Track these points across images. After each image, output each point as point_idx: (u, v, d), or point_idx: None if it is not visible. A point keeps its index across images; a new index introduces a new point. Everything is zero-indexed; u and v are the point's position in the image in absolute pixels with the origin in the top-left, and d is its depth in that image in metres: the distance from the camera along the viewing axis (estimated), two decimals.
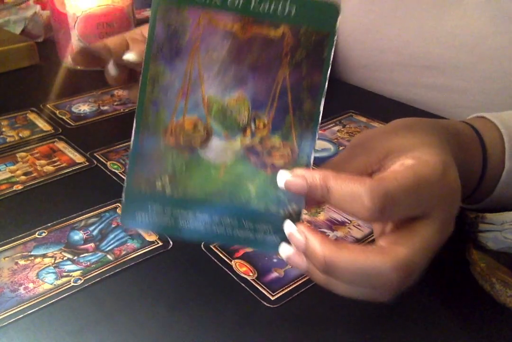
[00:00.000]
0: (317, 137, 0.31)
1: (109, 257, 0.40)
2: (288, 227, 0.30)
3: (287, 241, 0.30)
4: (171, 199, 0.30)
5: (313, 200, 0.30)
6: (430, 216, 0.30)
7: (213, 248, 0.40)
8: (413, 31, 0.64)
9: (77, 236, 0.42)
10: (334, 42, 0.30)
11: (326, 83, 0.30)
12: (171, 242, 0.41)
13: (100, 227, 0.43)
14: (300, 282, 0.37)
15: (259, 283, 0.37)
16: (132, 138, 0.30)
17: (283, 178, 0.29)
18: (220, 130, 0.30)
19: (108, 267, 0.39)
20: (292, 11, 0.29)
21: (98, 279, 0.38)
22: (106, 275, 0.38)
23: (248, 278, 0.38)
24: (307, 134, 0.31)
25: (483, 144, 0.39)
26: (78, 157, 0.53)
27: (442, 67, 0.62)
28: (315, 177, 0.29)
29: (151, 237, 0.42)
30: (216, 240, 0.31)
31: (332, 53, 0.30)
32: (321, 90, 0.30)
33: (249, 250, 0.40)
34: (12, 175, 0.50)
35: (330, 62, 0.30)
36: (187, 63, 0.30)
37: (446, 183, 0.30)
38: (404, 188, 0.28)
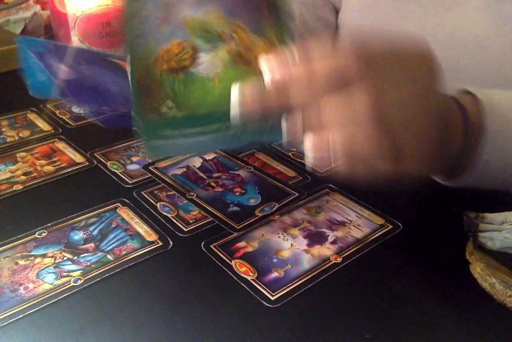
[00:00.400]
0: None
1: (109, 257, 0.40)
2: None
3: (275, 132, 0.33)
4: (178, 119, 0.32)
5: None
6: None
7: (213, 248, 0.41)
8: (414, 33, 0.64)
9: (77, 236, 0.42)
10: None
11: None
12: (171, 242, 0.41)
13: (100, 227, 0.43)
14: (300, 282, 0.37)
15: (259, 283, 0.37)
16: (129, 71, 0.32)
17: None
18: (204, 44, 0.33)
19: (108, 267, 0.39)
20: None
21: (98, 279, 0.38)
22: (106, 275, 0.38)
23: (248, 278, 0.38)
24: (281, 26, 0.33)
25: (461, 105, 0.40)
26: (78, 157, 0.53)
27: (442, 69, 0.62)
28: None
29: (151, 237, 0.42)
30: (229, 144, 0.35)
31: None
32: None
33: (249, 250, 0.40)
34: (12, 175, 0.50)
35: None
36: None
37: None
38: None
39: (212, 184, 0.49)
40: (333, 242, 0.41)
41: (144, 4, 0.31)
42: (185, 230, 0.43)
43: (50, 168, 0.51)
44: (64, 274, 0.38)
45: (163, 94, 0.32)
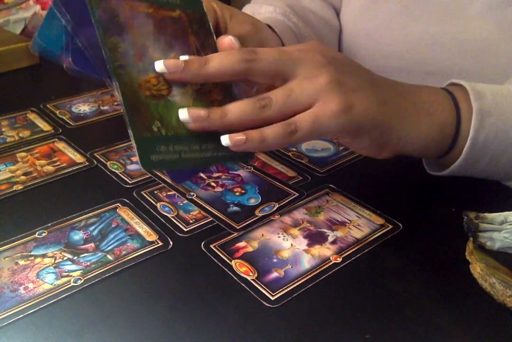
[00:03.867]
0: None
1: (109, 257, 0.40)
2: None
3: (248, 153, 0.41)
4: (168, 138, 0.37)
5: None
6: None
7: (213, 248, 0.41)
8: (417, 37, 0.63)
9: (77, 236, 0.42)
10: (207, 17, 0.43)
11: (214, 36, 0.42)
12: (171, 242, 0.41)
13: (100, 227, 0.43)
14: (300, 282, 0.37)
15: (259, 283, 0.37)
16: (120, 94, 0.36)
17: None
18: (174, 83, 0.38)
19: (108, 267, 0.39)
20: (178, 1, 0.41)
21: (98, 279, 0.38)
22: (106, 275, 0.38)
23: (248, 278, 0.38)
24: None
25: (450, 93, 0.44)
26: (78, 157, 0.53)
27: (445, 73, 0.62)
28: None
29: (151, 237, 0.42)
30: (209, 163, 0.41)
31: (211, 24, 0.43)
32: (215, 47, 0.42)
33: (249, 250, 0.40)
34: (12, 175, 0.50)
35: (212, 29, 0.42)
36: (131, 35, 0.38)
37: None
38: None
39: (212, 184, 0.49)
40: (333, 242, 0.41)
41: (120, 42, 0.37)
42: (185, 230, 0.43)
43: (50, 168, 0.51)
44: (64, 274, 0.38)
45: (151, 115, 0.37)
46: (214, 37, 0.42)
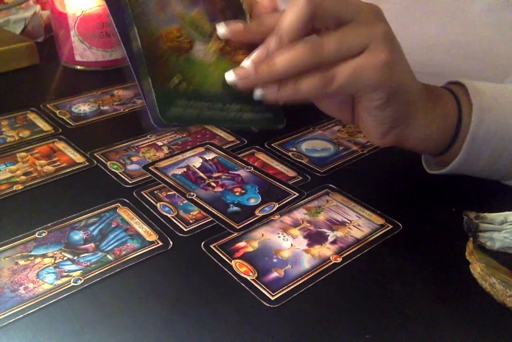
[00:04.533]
0: None
1: (109, 257, 0.40)
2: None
3: (277, 115, 0.42)
4: (189, 93, 0.36)
5: None
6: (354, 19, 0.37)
7: (213, 248, 0.41)
8: (417, 39, 0.63)
9: (77, 236, 0.42)
10: None
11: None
12: (171, 242, 0.41)
13: (100, 227, 0.43)
14: (300, 282, 0.37)
15: (259, 283, 0.37)
16: (139, 42, 0.34)
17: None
18: (197, 35, 0.38)
19: (108, 267, 0.39)
20: None
21: (98, 279, 0.38)
22: (106, 275, 0.38)
23: (248, 278, 0.38)
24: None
25: (450, 90, 0.45)
26: (78, 157, 0.53)
27: (446, 74, 0.62)
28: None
29: (151, 237, 0.42)
30: (231, 123, 0.39)
31: None
32: (244, 10, 0.40)
33: (249, 250, 0.40)
34: (12, 175, 0.50)
35: None
36: None
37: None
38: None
39: (212, 183, 0.49)
40: (333, 242, 0.41)
41: None
42: (185, 230, 0.43)
43: (50, 168, 0.51)
44: (64, 274, 0.38)
45: (172, 67, 0.36)
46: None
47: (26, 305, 0.35)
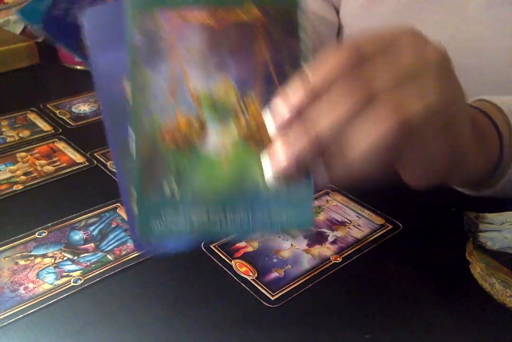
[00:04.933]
0: None
1: (109, 257, 0.40)
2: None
3: (304, 214, 0.30)
4: (182, 202, 0.30)
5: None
6: None
7: (213, 248, 0.41)
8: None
9: (77, 236, 0.42)
10: (303, 7, 0.30)
11: (308, 48, 0.30)
12: None
13: (100, 227, 0.43)
14: (300, 282, 0.37)
15: (259, 283, 0.37)
16: (134, 148, 0.30)
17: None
18: (213, 118, 0.30)
19: (108, 267, 0.39)
20: None
21: (98, 279, 0.38)
22: (106, 275, 0.38)
23: (248, 278, 0.38)
24: None
25: (495, 124, 0.40)
26: (78, 157, 0.53)
27: None
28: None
29: None
30: (233, 233, 0.32)
31: (304, 22, 0.30)
32: (301, 56, 0.30)
33: (249, 250, 0.40)
34: (12, 175, 0.50)
35: (306, 28, 0.30)
36: (168, 63, 0.30)
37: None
38: (367, 35, 0.30)
39: None
40: (333, 242, 0.41)
41: (151, 75, 0.30)
42: None
43: (50, 168, 0.51)
44: (64, 274, 0.38)
45: (167, 172, 0.30)
46: (301, 41, 0.30)
47: (26, 305, 0.35)
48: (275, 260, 0.39)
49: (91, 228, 0.43)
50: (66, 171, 0.51)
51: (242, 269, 0.38)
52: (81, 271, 0.38)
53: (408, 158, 0.31)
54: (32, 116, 0.62)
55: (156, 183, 0.30)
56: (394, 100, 0.28)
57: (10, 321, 0.34)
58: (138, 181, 0.30)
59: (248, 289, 0.37)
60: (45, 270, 0.38)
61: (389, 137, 0.27)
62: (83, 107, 0.65)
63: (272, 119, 0.29)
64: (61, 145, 0.56)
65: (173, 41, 0.30)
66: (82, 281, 0.37)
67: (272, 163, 0.29)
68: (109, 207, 0.45)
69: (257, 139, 0.30)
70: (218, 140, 0.30)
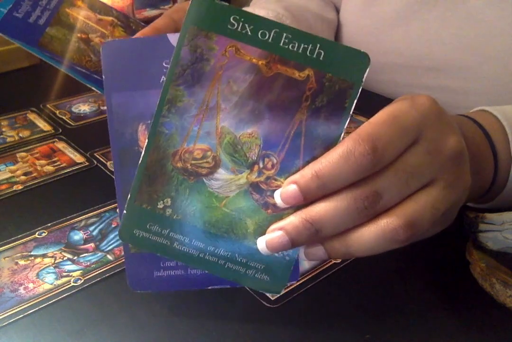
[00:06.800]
0: None
1: (109, 257, 0.40)
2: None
3: (278, 281, 0.31)
4: (170, 221, 0.30)
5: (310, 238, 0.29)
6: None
7: None
8: (416, 33, 0.64)
9: (77, 236, 0.42)
10: (358, 94, 0.29)
11: (342, 134, 0.29)
12: None
13: (100, 227, 0.43)
14: (300, 282, 0.37)
15: None
16: (142, 155, 0.30)
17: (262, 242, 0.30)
18: (228, 162, 0.30)
19: (108, 267, 0.39)
20: (320, 55, 0.29)
21: (98, 279, 0.38)
22: (106, 275, 0.38)
23: None
24: None
25: (489, 138, 0.39)
26: (78, 157, 0.53)
27: (445, 68, 0.62)
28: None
29: None
30: (207, 268, 0.31)
31: (354, 104, 0.29)
32: (336, 140, 0.29)
33: None
34: (12, 175, 0.50)
35: (350, 113, 0.29)
36: (207, 90, 0.29)
37: (421, 105, 0.29)
38: (379, 122, 0.28)
39: None
40: None
41: (186, 95, 0.29)
42: None
43: (50, 168, 0.51)
44: (64, 274, 0.38)
45: (167, 190, 0.30)
46: (342, 124, 0.29)
47: (26, 305, 0.35)
48: None
49: (91, 228, 0.43)
50: (66, 170, 0.51)
51: None
52: (81, 271, 0.38)
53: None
54: (32, 116, 0.62)
55: (153, 194, 0.30)
56: (404, 213, 0.28)
57: (10, 321, 0.34)
58: (136, 186, 0.30)
59: (248, 289, 0.37)
60: (45, 270, 0.38)
61: (393, 246, 0.29)
62: (83, 107, 0.65)
63: (279, 196, 0.29)
64: (61, 145, 0.56)
65: (220, 70, 0.29)
66: (82, 281, 0.37)
67: (267, 241, 0.29)
68: (109, 207, 0.45)
69: (261, 198, 0.30)
70: (225, 181, 0.30)
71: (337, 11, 0.75)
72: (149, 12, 0.99)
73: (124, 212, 0.30)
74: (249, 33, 0.29)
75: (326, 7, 0.74)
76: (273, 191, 0.30)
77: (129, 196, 0.30)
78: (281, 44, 0.29)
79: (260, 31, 0.29)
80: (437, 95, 0.69)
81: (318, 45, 0.28)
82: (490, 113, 0.41)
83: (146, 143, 0.30)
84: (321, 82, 0.29)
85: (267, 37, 0.29)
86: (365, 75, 0.29)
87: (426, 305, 0.36)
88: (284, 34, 0.28)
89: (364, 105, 0.67)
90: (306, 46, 0.28)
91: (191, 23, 0.29)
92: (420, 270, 0.39)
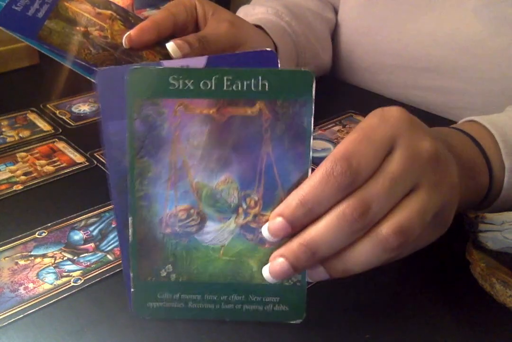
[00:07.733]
0: None
1: (109, 257, 0.40)
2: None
3: (298, 308, 0.32)
4: (178, 284, 0.31)
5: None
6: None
7: None
8: (413, 34, 0.64)
9: (77, 236, 0.42)
10: (313, 109, 0.29)
11: (311, 152, 0.30)
12: None
13: (100, 227, 0.43)
14: None
15: None
16: (130, 232, 0.31)
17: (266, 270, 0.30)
18: (213, 213, 0.31)
19: (108, 267, 0.39)
20: (265, 86, 0.29)
21: (98, 279, 0.38)
22: (106, 275, 0.38)
23: None
24: None
25: (479, 146, 0.40)
26: (78, 157, 0.53)
27: (441, 69, 0.63)
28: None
29: None
30: (227, 317, 0.32)
31: (312, 120, 0.29)
32: (307, 159, 0.30)
33: None
34: (12, 175, 0.50)
35: (312, 130, 0.30)
36: (170, 153, 0.30)
37: (390, 117, 0.30)
38: (351, 140, 0.29)
39: None
40: None
41: (152, 165, 0.30)
42: None
43: (50, 168, 0.51)
44: (64, 274, 0.38)
45: (164, 257, 0.31)
46: (310, 143, 0.30)
47: (26, 305, 0.35)
48: None
49: (91, 228, 0.43)
50: (66, 170, 0.51)
51: None
52: (81, 271, 0.38)
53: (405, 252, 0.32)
54: (32, 116, 0.62)
55: (153, 265, 0.31)
56: (392, 221, 0.29)
57: (10, 321, 0.34)
58: (135, 264, 0.31)
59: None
60: (45, 270, 0.38)
61: (389, 256, 0.30)
62: (83, 107, 0.65)
63: (267, 231, 0.30)
64: (61, 145, 0.56)
65: (176, 131, 0.30)
66: (82, 281, 0.37)
67: (270, 269, 0.30)
68: (109, 207, 0.45)
69: (255, 236, 0.31)
70: (216, 231, 0.31)
71: (335, 12, 0.75)
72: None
73: (132, 290, 0.31)
74: (191, 87, 0.29)
75: (325, 7, 0.74)
76: (260, 223, 0.30)
77: (131, 275, 0.31)
78: (225, 88, 0.29)
79: (202, 82, 0.29)
80: (433, 95, 0.70)
81: (260, 77, 0.29)
82: (477, 123, 0.42)
83: (130, 221, 0.30)
84: (274, 111, 0.29)
85: (209, 86, 0.29)
86: (313, 91, 0.29)
87: (426, 305, 0.36)
88: (225, 78, 0.29)
89: (363, 105, 0.67)
90: (248, 82, 0.29)
91: (134, 96, 0.29)
92: (420, 270, 0.39)
